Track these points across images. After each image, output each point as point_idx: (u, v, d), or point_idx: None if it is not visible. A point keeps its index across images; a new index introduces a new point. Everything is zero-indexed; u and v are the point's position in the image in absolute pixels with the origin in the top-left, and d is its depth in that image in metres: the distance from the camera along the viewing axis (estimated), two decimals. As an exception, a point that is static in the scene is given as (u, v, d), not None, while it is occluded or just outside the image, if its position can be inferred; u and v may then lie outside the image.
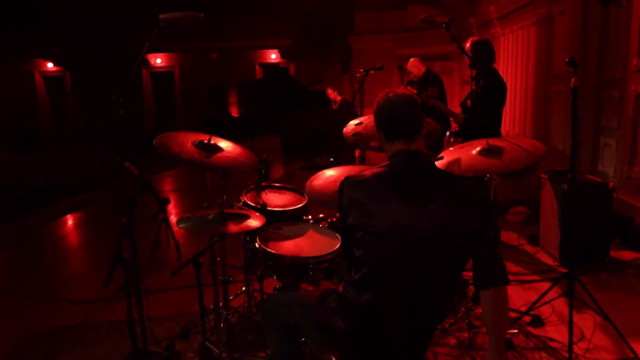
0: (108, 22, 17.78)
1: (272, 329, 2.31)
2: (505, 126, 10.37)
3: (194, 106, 17.74)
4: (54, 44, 18.59)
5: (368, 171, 1.98)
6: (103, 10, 17.79)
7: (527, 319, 3.36)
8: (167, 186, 9.77)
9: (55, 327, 3.78)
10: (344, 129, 3.23)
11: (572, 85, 2.51)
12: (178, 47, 18.21)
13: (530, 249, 4.84)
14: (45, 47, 18.82)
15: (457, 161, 2.79)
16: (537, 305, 3.32)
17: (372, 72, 4.81)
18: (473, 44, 4.66)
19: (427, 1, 13.99)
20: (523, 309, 3.41)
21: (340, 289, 2.00)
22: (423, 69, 6.75)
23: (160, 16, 2.54)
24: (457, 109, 4.95)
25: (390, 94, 2.00)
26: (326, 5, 16.97)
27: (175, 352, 3.18)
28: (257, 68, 19.11)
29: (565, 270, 4.10)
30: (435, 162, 2.98)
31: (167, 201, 5.39)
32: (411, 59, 6.83)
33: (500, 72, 10.97)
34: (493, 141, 2.84)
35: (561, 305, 3.51)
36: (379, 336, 1.91)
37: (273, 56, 19.02)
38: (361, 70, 4.81)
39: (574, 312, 3.39)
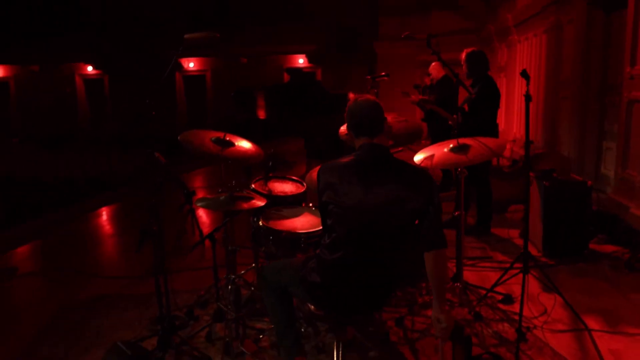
0: (145, 27, 18.67)
1: (268, 291, 2.83)
2: (520, 130, 10.72)
3: (224, 108, 18.49)
4: (94, 49, 19.60)
5: (340, 160, 2.51)
6: (140, 17, 18.71)
7: (499, 297, 3.83)
8: (197, 183, 10.40)
9: (91, 296, 4.40)
10: (340, 128, 3.75)
11: (524, 93, 2.98)
12: (210, 52, 18.96)
13: (520, 242, 5.24)
14: (86, 51, 19.85)
15: (430, 156, 3.28)
16: (502, 281, 3.80)
17: (385, 78, 5.28)
18: (467, 55, 5.14)
19: (450, 7, 14.39)
20: (500, 290, 3.90)
21: (318, 251, 2.53)
22: (442, 73, 7.11)
23: (185, 36, 3.13)
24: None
25: (358, 100, 2.53)
26: (352, 11, 17.47)
27: (194, 316, 3.75)
28: (285, 73, 19.74)
29: (546, 260, 4.61)
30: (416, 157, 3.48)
31: (193, 193, 6.04)
32: (433, 63, 7.21)
33: (516, 77, 11.31)
34: (463, 140, 3.33)
35: (532, 286, 3.97)
36: (345, 287, 2.44)
37: (301, 61, 19.61)
38: (369, 77, 5.30)
39: (541, 292, 3.89)
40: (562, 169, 5.36)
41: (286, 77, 19.32)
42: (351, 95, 9.83)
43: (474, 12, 13.61)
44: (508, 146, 10.72)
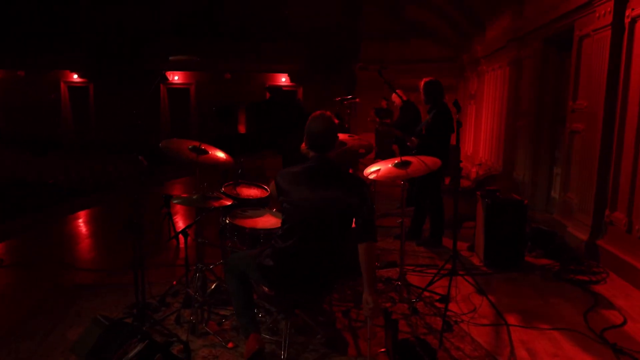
0: (132, 39, 19.13)
1: (231, 275, 3.34)
2: (485, 155, 11.39)
3: (206, 121, 18.98)
4: (80, 58, 20.00)
5: (294, 168, 3.05)
6: (128, 29, 19.18)
7: (436, 297, 4.36)
8: (176, 191, 10.83)
9: (74, 285, 4.83)
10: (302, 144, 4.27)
11: (454, 120, 3.55)
12: (195, 66, 19.47)
13: (467, 254, 5.81)
14: (72, 60, 20.24)
15: (377, 170, 3.84)
16: (436, 280, 4.35)
17: (356, 100, 5.85)
18: (425, 84, 5.73)
19: (428, 36, 15.09)
20: (439, 291, 4.44)
21: (273, 242, 3.05)
22: (405, 99, 7.75)
23: (170, 58, 3.68)
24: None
25: (316, 119, 3.07)
26: (335, 33, 18.18)
27: (165, 302, 4.22)
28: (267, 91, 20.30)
29: (486, 269, 5.16)
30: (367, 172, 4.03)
31: (171, 197, 6.53)
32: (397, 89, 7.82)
33: (483, 105, 12.02)
34: (406, 158, 3.89)
35: (466, 288, 4.53)
36: (293, 270, 2.96)
37: (283, 79, 20.23)
38: (338, 99, 5.88)
39: (472, 293, 4.44)
40: (514, 191, 5.94)
41: (268, 94, 19.88)
42: (327, 114, 10.42)
43: (451, 42, 14.30)
44: (474, 169, 11.40)
